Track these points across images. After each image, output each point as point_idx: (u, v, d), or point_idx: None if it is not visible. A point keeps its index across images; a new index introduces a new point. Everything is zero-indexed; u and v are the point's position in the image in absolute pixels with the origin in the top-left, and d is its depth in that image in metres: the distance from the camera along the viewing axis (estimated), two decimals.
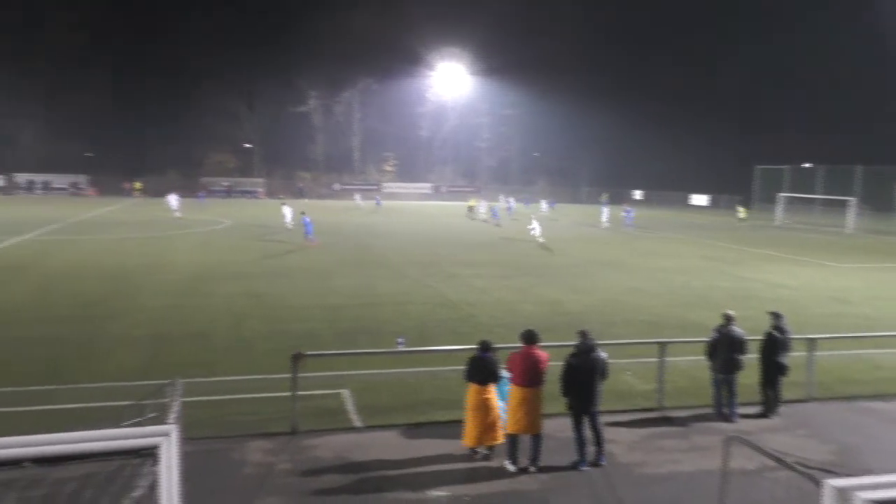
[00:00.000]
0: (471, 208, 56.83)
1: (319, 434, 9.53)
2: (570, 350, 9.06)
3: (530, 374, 8.61)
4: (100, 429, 3.82)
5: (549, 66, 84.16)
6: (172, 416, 5.23)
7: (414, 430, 9.77)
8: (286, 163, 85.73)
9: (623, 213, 50.72)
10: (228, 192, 77.19)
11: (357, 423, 10.21)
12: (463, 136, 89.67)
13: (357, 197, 67.03)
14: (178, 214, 46.70)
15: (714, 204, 79.46)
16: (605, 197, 74.34)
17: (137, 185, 74.22)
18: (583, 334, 9.00)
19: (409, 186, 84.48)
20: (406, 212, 54.82)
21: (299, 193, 76.20)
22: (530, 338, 8.81)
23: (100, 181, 74.33)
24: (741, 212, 58.18)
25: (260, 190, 79.59)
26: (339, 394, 11.27)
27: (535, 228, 36.48)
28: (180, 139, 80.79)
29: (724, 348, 10.50)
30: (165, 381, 7.49)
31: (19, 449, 3.54)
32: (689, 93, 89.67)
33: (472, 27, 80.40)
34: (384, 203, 66.69)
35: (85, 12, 75.79)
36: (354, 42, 79.10)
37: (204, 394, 10.71)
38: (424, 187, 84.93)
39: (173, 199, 49.23)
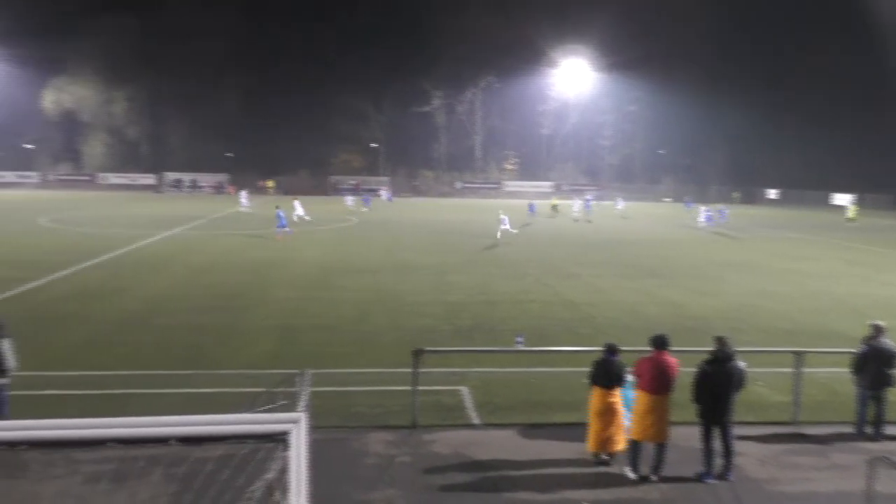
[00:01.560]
0: (554, 207, 55.72)
1: (438, 429, 9.66)
2: (700, 356, 8.67)
3: (660, 381, 8.29)
4: (235, 413, 4.04)
5: (676, 58, 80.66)
6: (301, 404, 5.47)
7: (533, 430, 9.69)
8: (410, 162, 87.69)
9: (705, 213, 46.92)
10: (355, 191, 79.90)
11: (475, 420, 10.26)
12: (585, 134, 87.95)
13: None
14: (247, 211, 49.36)
15: (860, 203, 73.55)
16: (689, 196, 69.54)
17: (270, 183, 78.44)
18: (720, 341, 8.54)
19: (529, 185, 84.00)
20: (524, 210, 54.50)
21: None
22: (661, 342, 8.47)
23: (239, 180, 79.11)
24: (851, 210, 54.04)
25: (384, 188, 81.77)
26: (457, 391, 11.37)
27: (504, 222, 34.93)
28: (311, 140, 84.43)
29: (874, 362, 9.67)
30: (295, 371, 7.84)
31: (166, 428, 3.80)
32: (831, 81, 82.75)
33: (595, 22, 78.58)
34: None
35: (224, 22, 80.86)
36: (478, 41, 79.45)
37: (329, 384, 11.12)
38: (545, 185, 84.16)
39: (244, 197, 52.13)
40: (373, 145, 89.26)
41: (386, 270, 24.17)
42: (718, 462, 8.40)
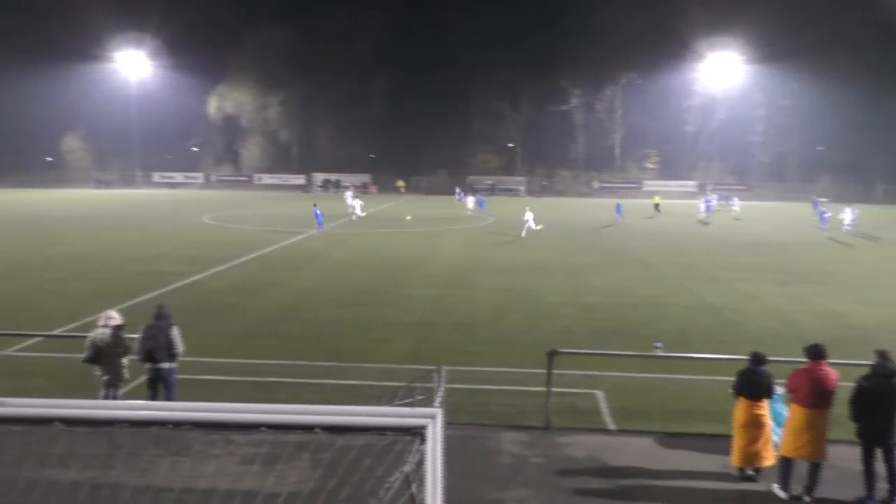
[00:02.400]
0: (657, 206, 52.74)
1: (572, 432, 9.53)
2: (860, 371, 7.97)
3: (818, 395, 7.69)
4: (375, 405, 4.20)
5: (837, 46, 73.93)
6: (438, 400, 5.61)
7: (671, 439, 9.34)
8: (547, 161, 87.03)
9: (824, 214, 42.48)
10: (491, 191, 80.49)
11: (610, 425, 10.04)
12: (733, 131, 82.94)
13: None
14: (355, 208, 50.49)
15: None
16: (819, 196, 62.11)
17: (401, 183, 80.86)
18: (881, 355, 7.79)
19: (671, 184, 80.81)
20: (663, 211, 52.47)
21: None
22: (818, 352, 7.84)
23: (380, 180, 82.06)
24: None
25: (521, 188, 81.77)
26: (592, 394, 11.17)
27: (529, 220, 35.13)
28: (450, 140, 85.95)
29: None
30: (432, 368, 8.03)
31: (312, 416, 4.02)
32: None
33: (746, 10, 73.93)
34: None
35: (370, 27, 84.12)
36: (619, 37, 77.32)
37: (465, 382, 11.28)
38: (689, 185, 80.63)
39: (349, 196, 53.01)
40: (510, 145, 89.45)
41: (522, 270, 24.16)
42: (882, 487, 7.69)
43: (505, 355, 13.47)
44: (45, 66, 74.79)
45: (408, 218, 33.30)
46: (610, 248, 30.91)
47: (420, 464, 3.99)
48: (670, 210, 53.68)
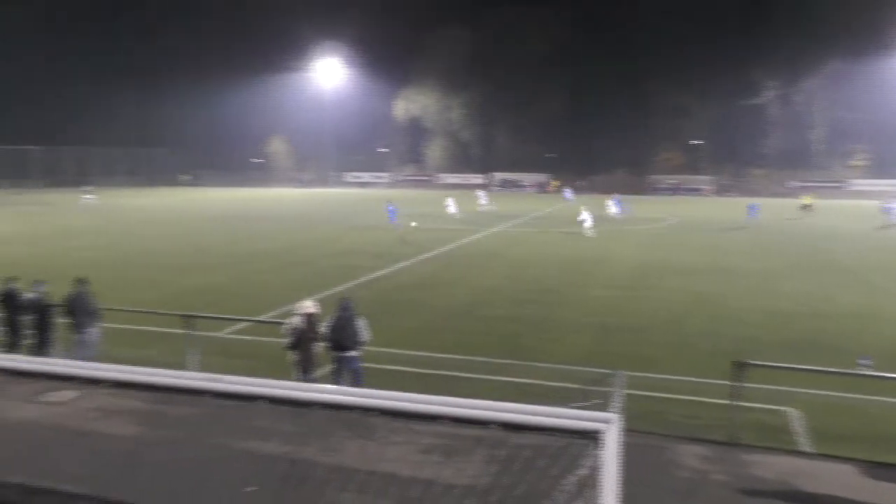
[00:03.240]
0: (806, 206, 46.34)
1: (760, 451, 8.89)
2: None
3: None
4: (550, 406, 4.21)
5: None
6: (615, 404, 5.49)
7: (879, 469, 8.40)
8: (736, 159, 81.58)
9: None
10: (674, 190, 77.08)
11: (805, 447, 9.25)
12: None
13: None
14: (485, 205, 50.38)
15: None
16: None
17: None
18: None
19: (883, 184, 72.40)
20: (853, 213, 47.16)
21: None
22: None
23: (559, 179, 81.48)
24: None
25: (706, 187, 77.51)
26: (783, 411, 10.36)
27: (586, 220, 34.08)
28: (629, 138, 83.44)
29: None
30: (609, 371, 7.89)
31: (490, 412, 4.12)
32: None
33: None
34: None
35: (549, 26, 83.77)
36: (820, 23, 70.50)
37: (642, 388, 10.93)
38: None
39: (482, 195, 53.28)
40: (695, 142, 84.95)
41: (704, 272, 22.93)
42: None
43: (684, 362, 12.86)
44: (255, 78, 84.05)
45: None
46: (801, 251, 28.37)
47: (595, 469, 3.95)
48: (834, 211, 47.70)
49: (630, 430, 8.49)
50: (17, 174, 76.97)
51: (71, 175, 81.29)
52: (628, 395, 8.16)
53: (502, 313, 17.09)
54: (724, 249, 29.30)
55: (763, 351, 13.30)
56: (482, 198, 54.62)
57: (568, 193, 62.06)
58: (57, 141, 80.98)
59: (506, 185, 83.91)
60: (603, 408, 6.05)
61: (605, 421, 4.00)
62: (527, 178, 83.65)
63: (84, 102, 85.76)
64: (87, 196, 56.69)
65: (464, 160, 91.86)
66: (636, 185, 76.21)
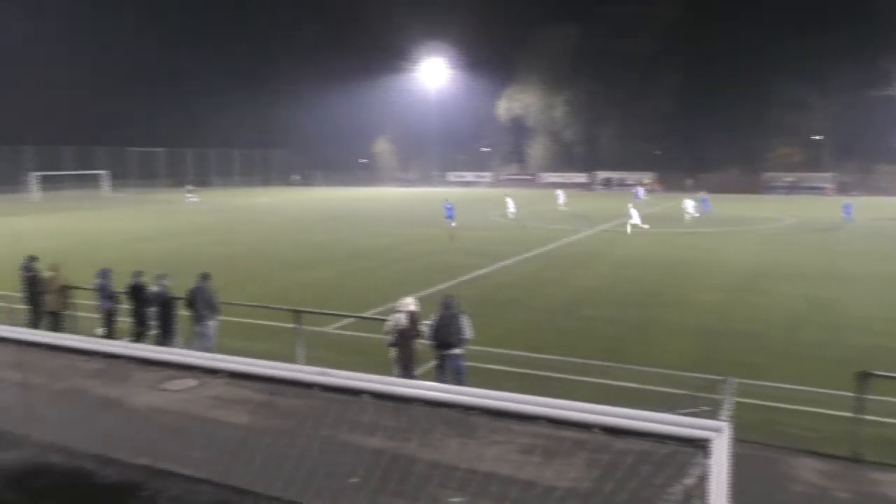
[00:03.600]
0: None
1: (889, 469, 8.28)
2: None
3: None
4: (655, 412, 4.09)
5: None
6: (724, 413, 5.27)
7: None
8: (863, 155, 76.15)
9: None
10: (791, 189, 73.00)
11: None
12: None
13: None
14: (564, 207, 49.57)
15: None
16: None
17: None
18: None
19: None
20: None
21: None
22: None
23: (666, 178, 78.96)
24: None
25: (828, 185, 72.88)
26: None
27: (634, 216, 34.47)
28: (743, 134, 79.67)
29: None
30: (718, 378, 7.57)
31: (591, 415, 4.06)
32: None
33: None
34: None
35: (657, 21, 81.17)
36: None
37: (753, 396, 10.43)
38: None
39: (560, 194, 52.68)
40: (815, 137, 80.00)
41: (822, 277, 21.60)
42: None
43: (800, 371, 12.15)
44: (363, 80, 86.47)
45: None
46: None
47: (703, 479, 3.81)
48: None
49: (740, 440, 8.13)
50: (147, 174, 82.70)
51: (193, 176, 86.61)
52: (738, 403, 7.79)
53: (603, 314, 16.75)
54: (843, 251, 27.48)
55: (891, 362, 12.38)
56: (560, 197, 54.02)
57: (640, 192, 59.03)
58: (181, 144, 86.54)
59: (608, 183, 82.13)
60: (711, 416, 5.81)
61: (715, 429, 3.86)
62: (631, 176, 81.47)
63: (205, 108, 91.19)
64: (191, 196, 60.56)
65: (566, 159, 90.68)
66: (749, 183, 72.72)
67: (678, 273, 22.58)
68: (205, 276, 13.02)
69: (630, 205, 37.73)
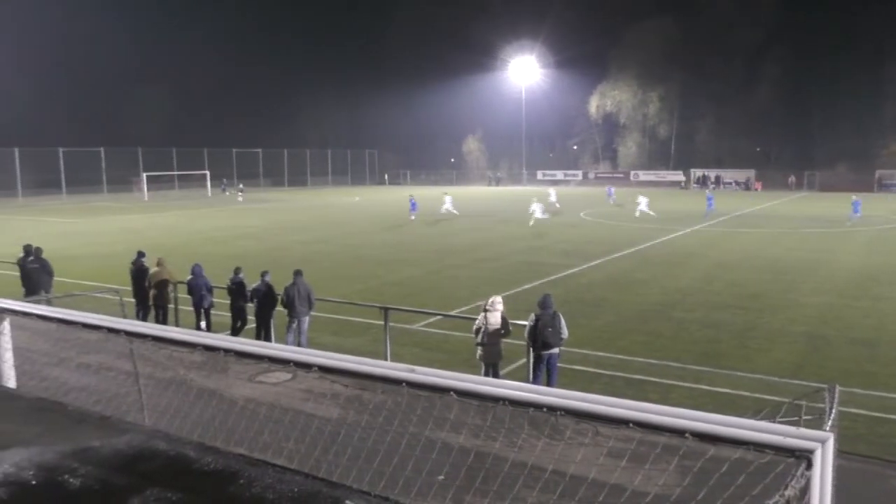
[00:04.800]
0: None
1: None
2: None
3: None
4: (753, 419, 3.91)
5: None
6: (829, 423, 4.97)
7: None
8: None
9: None
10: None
11: None
12: None
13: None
14: (613, 202, 49.34)
15: None
16: None
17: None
18: None
19: None
20: None
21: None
22: None
23: (765, 176, 75.51)
24: None
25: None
26: None
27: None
28: (852, 129, 75.13)
29: None
30: (822, 385, 7.16)
31: (684, 421, 3.91)
32: None
33: None
34: None
35: (758, 14, 77.71)
36: None
37: (863, 407, 9.83)
38: None
39: (611, 193, 52.73)
40: None
41: None
42: None
43: None
44: (454, 80, 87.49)
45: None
46: None
47: (804, 492, 3.62)
48: None
49: (846, 453, 7.69)
50: (249, 174, 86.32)
51: (290, 175, 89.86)
52: (845, 413, 7.35)
53: (698, 317, 16.17)
54: None
55: None
56: (611, 193, 52.62)
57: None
58: (279, 144, 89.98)
59: (704, 182, 79.23)
60: (815, 426, 5.49)
61: (819, 440, 3.65)
62: (728, 174, 78.23)
63: (304, 110, 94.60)
64: (239, 195, 62.67)
65: (659, 157, 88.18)
66: (860, 181, 68.42)
67: (780, 274, 21.54)
68: (299, 273, 13.45)
69: (535, 198, 39.85)
